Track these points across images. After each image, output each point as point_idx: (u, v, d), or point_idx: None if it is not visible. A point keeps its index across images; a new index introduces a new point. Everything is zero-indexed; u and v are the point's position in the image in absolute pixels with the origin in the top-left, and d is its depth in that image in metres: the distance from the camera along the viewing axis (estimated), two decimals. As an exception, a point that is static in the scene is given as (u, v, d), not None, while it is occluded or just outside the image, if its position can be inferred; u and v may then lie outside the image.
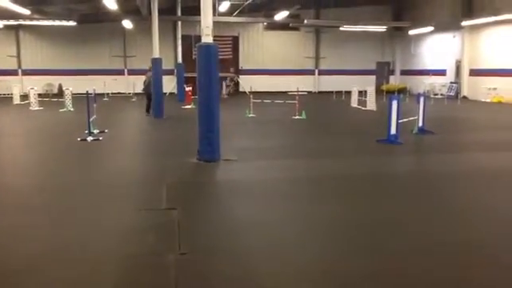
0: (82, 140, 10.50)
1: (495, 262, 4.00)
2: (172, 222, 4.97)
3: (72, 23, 23.56)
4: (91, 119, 11.23)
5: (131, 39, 28.49)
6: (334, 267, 3.93)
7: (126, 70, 28.98)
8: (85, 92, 11.52)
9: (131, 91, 25.70)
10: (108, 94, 24.84)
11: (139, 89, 24.70)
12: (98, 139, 10.65)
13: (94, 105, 12.32)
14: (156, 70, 15.87)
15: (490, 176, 7.38)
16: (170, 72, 25.87)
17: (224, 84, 26.54)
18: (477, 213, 5.43)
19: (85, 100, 11.10)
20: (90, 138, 10.60)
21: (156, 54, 15.88)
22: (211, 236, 4.63)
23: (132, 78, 27.35)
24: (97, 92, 14.74)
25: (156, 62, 15.88)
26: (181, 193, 6.31)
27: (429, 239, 4.54)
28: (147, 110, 16.32)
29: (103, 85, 24.31)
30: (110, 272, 3.82)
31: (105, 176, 7.46)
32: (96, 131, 11.41)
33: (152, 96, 15.83)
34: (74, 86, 19.48)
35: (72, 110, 17.49)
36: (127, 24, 25.19)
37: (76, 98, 17.61)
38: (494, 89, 23.19)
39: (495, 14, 21.16)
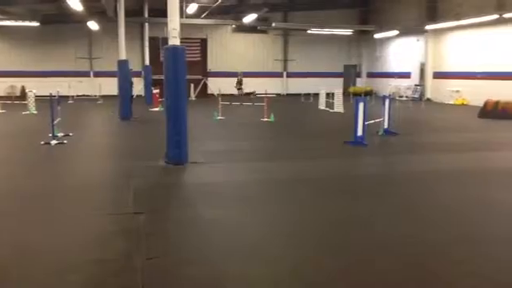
0: (45, 143, 10.23)
1: (455, 259, 4.12)
2: (139, 226, 4.91)
3: (35, 24, 22.97)
4: (55, 122, 10.96)
5: (97, 41, 27.95)
6: (303, 267, 3.96)
7: (91, 72, 28.41)
8: (48, 94, 11.24)
9: (97, 94, 25.22)
10: (73, 96, 24.33)
11: (106, 91, 24.46)
12: (63, 143, 10.41)
13: (59, 107, 12.04)
14: (122, 73, 15.65)
15: (452, 176, 7.59)
16: (137, 74, 25.56)
17: (192, 86, 26.37)
18: (439, 212, 5.57)
19: (49, 103, 10.84)
20: (53, 142, 10.34)
21: (123, 56, 15.66)
22: (179, 239, 4.59)
23: (98, 80, 26.89)
24: (61, 94, 14.50)
25: (123, 64, 15.66)
26: (148, 196, 6.24)
27: (395, 238, 4.63)
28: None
29: (68, 87, 23.82)
30: (74, 278, 3.73)
31: (69, 180, 7.29)
32: (60, 134, 11.14)
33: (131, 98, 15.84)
34: (37, 88, 18.93)
35: (35, 112, 17.03)
36: (93, 25, 24.72)
37: (40, 100, 17.14)
38: (457, 91, 23.90)
39: (457, 19, 21.83)
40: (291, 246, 4.50)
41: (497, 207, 5.80)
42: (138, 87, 25.30)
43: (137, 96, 24.98)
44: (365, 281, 3.70)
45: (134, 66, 25.05)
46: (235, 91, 25.96)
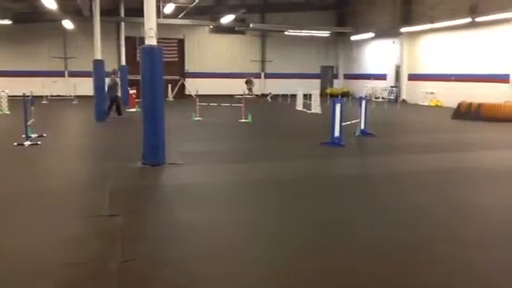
0: (18, 145, 10.00)
1: (430, 260, 4.18)
2: (115, 229, 4.84)
3: (7, 22, 22.45)
4: (29, 123, 10.73)
5: (72, 40, 27.50)
6: (281, 268, 3.96)
7: (66, 72, 27.93)
8: (22, 94, 11.00)
9: (72, 94, 24.79)
10: (47, 96, 23.86)
11: (81, 91, 24.06)
12: (37, 144, 10.20)
13: (32, 108, 11.79)
14: (98, 73, 15.43)
15: (425, 177, 7.72)
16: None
17: (170, 86, 26.18)
18: (413, 213, 5.65)
19: (22, 103, 10.60)
20: (27, 143, 10.12)
21: (98, 56, 15.43)
22: (156, 242, 4.54)
23: (73, 80, 26.45)
24: (35, 94, 14.17)
25: (98, 64, 15.44)
26: (124, 198, 6.16)
27: (371, 238, 4.68)
28: (107, 112, 16.01)
29: (42, 87, 23.35)
30: (48, 282, 3.66)
31: (44, 182, 7.15)
32: (34, 135, 10.91)
33: (119, 98, 15.73)
34: (10, 88, 18.48)
35: (8, 113, 16.65)
36: (68, 24, 24.32)
37: (12, 100, 16.76)
38: (432, 93, 24.35)
39: (431, 22, 22.25)
40: (269, 246, 4.50)
41: (467, 208, 5.92)
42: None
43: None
44: (343, 281, 3.73)
45: (110, 66, 24.75)
46: (213, 91, 25.87)
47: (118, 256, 4.11)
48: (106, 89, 15.84)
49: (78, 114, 18.09)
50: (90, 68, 16.00)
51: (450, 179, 7.59)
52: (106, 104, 15.59)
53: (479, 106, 16.70)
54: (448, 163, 8.91)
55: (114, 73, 16.41)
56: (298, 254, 4.30)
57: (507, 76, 19.68)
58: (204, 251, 4.31)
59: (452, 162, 9.01)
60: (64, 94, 26.30)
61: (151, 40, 7.90)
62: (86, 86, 21.60)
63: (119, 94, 17.22)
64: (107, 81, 16.08)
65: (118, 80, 16.75)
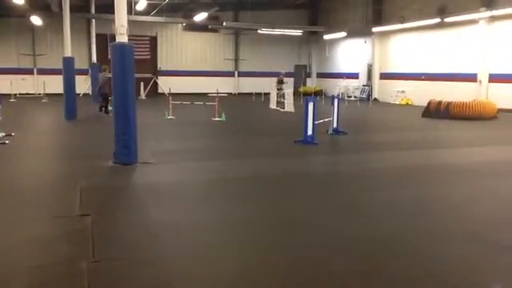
0: (-16, 144, 9.74)
1: (401, 254, 4.27)
2: (85, 229, 4.76)
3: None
4: (-5, 121, 10.46)
5: (41, 37, 26.88)
6: (253, 266, 3.97)
7: (35, 70, 27.28)
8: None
9: (41, 92, 24.25)
10: (15, 94, 23.27)
11: (50, 89, 23.54)
12: (4, 143, 9.94)
13: (0, 106, 11.50)
14: (68, 70, 15.12)
15: (395, 173, 7.86)
16: (84, 72, 24.83)
17: (142, 84, 25.86)
18: (382, 209, 5.75)
19: (-12, 101, 10.32)
20: (-6, 142, 9.86)
21: (68, 53, 15.11)
22: (127, 241, 4.49)
23: (42, 77, 25.84)
24: (3, 92, 13.80)
25: (68, 62, 15.13)
26: (95, 198, 6.06)
27: (341, 235, 4.74)
28: (101, 109, 16.38)
29: (10, 85, 22.76)
30: (16, 285, 3.57)
31: (11, 182, 6.97)
32: (1, 134, 10.63)
33: (111, 96, 15.41)
34: (-25, 85, 18.03)
35: (-26, 111, 16.17)
36: (36, 20, 23.73)
37: (-22, 98, 16.28)
38: (403, 91, 24.79)
39: (402, 22, 22.66)
40: (243, 244, 4.50)
41: (435, 203, 6.05)
42: (85, 85, 24.60)
43: (84, 94, 24.33)
44: (313, 277, 3.76)
45: (81, 63, 24.35)
46: (186, 90, 25.72)
47: (89, 256, 4.05)
48: (98, 86, 15.96)
49: (48, 112, 17.70)
50: (59, 65, 15.66)
51: (418, 176, 7.75)
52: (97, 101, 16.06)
53: (448, 104, 17.09)
54: (417, 160, 9.10)
55: (104, 70, 16.26)
56: (271, 251, 4.32)
57: (475, 75, 20.20)
58: (175, 250, 4.29)
59: (421, 159, 9.20)
60: (33, 92, 25.77)
61: (122, 37, 7.79)
62: (56, 84, 21.16)
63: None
64: (100, 77, 16.21)
65: (106, 77, 16.34)
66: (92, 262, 3.93)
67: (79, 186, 6.44)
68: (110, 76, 15.54)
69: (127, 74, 7.89)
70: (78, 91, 16.28)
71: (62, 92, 15.35)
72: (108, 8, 12.63)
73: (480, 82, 20.01)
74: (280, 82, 20.74)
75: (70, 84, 15.13)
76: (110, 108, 15.43)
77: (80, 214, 5.25)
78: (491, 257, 4.24)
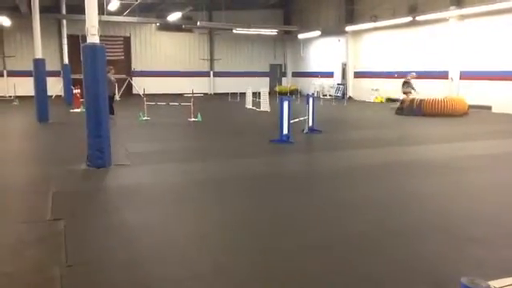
0: (-48, 149, 9.46)
1: (378, 252, 4.32)
2: (58, 234, 4.66)
3: None
4: (-37, 125, 10.17)
5: (10, 38, 26.26)
6: (231, 267, 3.96)
7: (5, 72, 26.62)
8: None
9: (12, 94, 23.68)
10: (-16, 97, 22.71)
11: (21, 91, 23.01)
12: (-28, 147, 9.68)
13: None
14: (39, 72, 14.81)
15: (371, 170, 7.96)
16: (55, 73, 24.38)
17: (116, 86, 25.48)
18: (358, 206, 5.81)
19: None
20: (-38, 147, 9.59)
21: (38, 55, 14.81)
22: (101, 245, 4.42)
23: (13, 79, 25.24)
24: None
25: (39, 63, 14.82)
26: (68, 202, 5.95)
27: (318, 234, 4.77)
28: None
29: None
30: (-16, 293, 3.48)
31: (-20, 188, 6.79)
32: (-30, 139, 10.35)
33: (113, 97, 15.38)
34: None
35: None
36: (5, 21, 23.16)
37: None
38: (377, 90, 25.13)
39: (374, 21, 22.97)
40: (218, 245, 4.48)
41: (408, 198, 6.16)
42: (58, 87, 24.17)
43: (56, 96, 23.89)
44: (286, 276, 3.77)
45: (53, 64, 23.90)
46: (161, 90, 25.42)
47: (62, 261, 3.97)
48: None
49: (19, 115, 17.30)
50: (30, 67, 15.31)
51: (392, 172, 7.87)
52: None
53: (421, 101, 17.39)
54: (391, 157, 9.23)
55: (108, 71, 15.60)
56: (247, 251, 4.32)
57: (446, 72, 20.60)
58: (152, 253, 4.23)
59: (395, 156, 9.35)
60: (3, 95, 25.16)
61: (93, 38, 7.68)
62: (27, 86, 20.70)
63: (116, 92, 16.98)
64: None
65: (112, 78, 15.30)
66: (65, 267, 3.86)
67: (51, 190, 6.32)
68: (110, 77, 15.35)
69: (99, 75, 7.79)
70: (50, 93, 15.95)
71: (33, 94, 15.03)
72: (79, 8, 12.44)
73: (451, 79, 20.42)
74: (405, 85, 18.64)
75: (41, 86, 14.83)
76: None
77: (52, 219, 5.14)
78: (461, 250, 4.34)
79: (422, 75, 19.73)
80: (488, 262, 4.02)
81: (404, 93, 18.35)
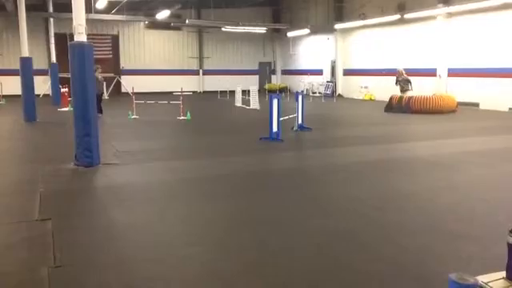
0: None
1: (365, 249, 4.34)
2: (46, 234, 4.62)
3: None
4: (-51, 125, 10.03)
5: (-4, 36, 25.95)
6: (217, 267, 3.94)
7: (-9, 71, 26.28)
8: None
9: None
10: (-30, 96, 22.41)
11: (8, 91, 22.73)
12: (-42, 147, 9.56)
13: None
14: (26, 71, 14.65)
15: (360, 167, 7.99)
16: (43, 72, 24.13)
17: (104, 84, 25.29)
18: (348, 203, 5.83)
19: None
20: None
21: (25, 53, 14.65)
22: (89, 245, 4.38)
23: (-1, 78, 24.96)
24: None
25: (25, 62, 14.66)
26: (56, 201, 5.89)
27: (307, 231, 4.77)
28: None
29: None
30: (-29, 295, 3.44)
31: (-34, 188, 6.70)
32: (-45, 139, 10.21)
33: (101, 96, 15.34)
34: None
35: None
36: (-9, 20, 22.92)
37: None
38: (366, 87, 25.25)
39: (362, 19, 23.06)
40: (207, 244, 4.46)
41: (397, 195, 6.20)
42: (45, 86, 23.93)
43: (43, 95, 23.66)
44: (276, 272, 3.77)
45: (40, 63, 23.67)
46: (150, 89, 25.26)
47: (50, 262, 3.93)
48: None
49: (6, 114, 17.10)
50: (17, 66, 15.13)
51: (380, 169, 7.90)
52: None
53: (409, 99, 17.49)
54: (380, 154, 9.28)
55: (96, 70, 15.49)
56: (235, 249, 4.30)
57: (434, 70, 20.75)
58: (140, 253, 4.21)
59: (384, 153, 9.39)
60: (-11, 94, 24.80)
61: (81, 36, 7.62)
62: (13, 85, 20.45)
63: (104, 91, 16.99)
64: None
65: (99, 77, 15.28)
66: (53, 268, 3.82)
67: (39, 190, 6.26)
68: (98, 75, 15.18)
69: (87, 74, 7.73)
70: (37, 92, 15.79)
71: (20, 93, 14.87)
72: (66, 7, 12.32)
73: (439, 76, 20.57)
74: (407, 82, 18.27)
75: (28, 85, 14.68)
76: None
77: (40, 219, 5.09)
78: (449, 245, 4.37)
79: (410, 72, 19.82)
80: (477, 259, 4.06)
81: (402, 90, 18.43)
